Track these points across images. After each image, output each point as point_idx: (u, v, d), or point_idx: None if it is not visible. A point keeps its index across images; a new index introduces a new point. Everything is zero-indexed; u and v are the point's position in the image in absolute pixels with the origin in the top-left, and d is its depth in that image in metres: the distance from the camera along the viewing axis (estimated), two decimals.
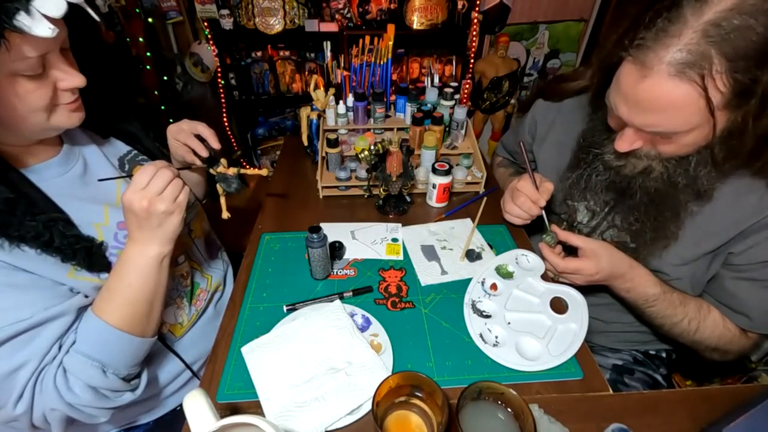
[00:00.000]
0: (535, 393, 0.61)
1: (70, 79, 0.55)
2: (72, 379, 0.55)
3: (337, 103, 1.04)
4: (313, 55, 2.19)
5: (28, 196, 0.56)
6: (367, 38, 1.03)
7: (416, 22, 2.02)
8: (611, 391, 0.62)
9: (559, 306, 0.71)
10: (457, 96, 1.06)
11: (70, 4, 0.48)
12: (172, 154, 0.79)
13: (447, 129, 1.07)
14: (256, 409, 0.59)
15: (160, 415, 0.77)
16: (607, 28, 2.22)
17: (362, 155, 0.89)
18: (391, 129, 1.07)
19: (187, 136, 0.74)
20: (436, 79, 1.34)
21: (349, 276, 0.81)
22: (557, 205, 0.86)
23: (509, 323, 0.70)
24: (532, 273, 0.77)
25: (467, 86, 2.23)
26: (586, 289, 0.73)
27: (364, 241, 0.88)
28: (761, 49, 0.47)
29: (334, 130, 1.06)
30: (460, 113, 1.03)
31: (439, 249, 0.87)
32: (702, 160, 0.61)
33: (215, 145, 0.73)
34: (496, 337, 0.68)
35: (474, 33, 2.07)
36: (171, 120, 1.44)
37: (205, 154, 0.73)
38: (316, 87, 1.02)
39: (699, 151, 0.60)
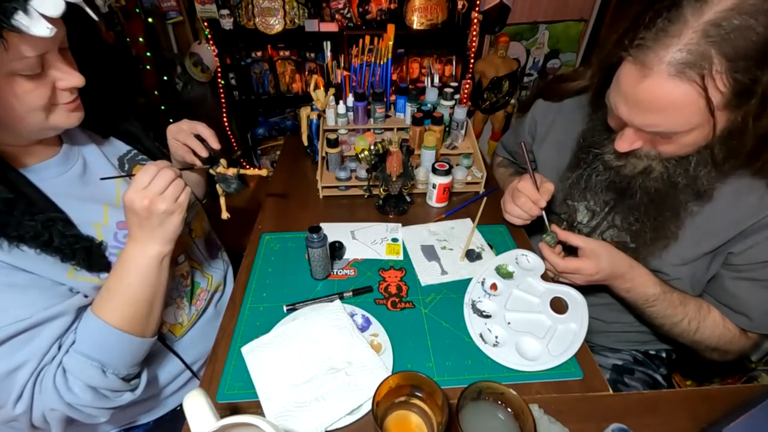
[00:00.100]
0: (535, 393, 0.61)
1: (68, 78, 0.54)
2: (71, 379, 0.55)
3: (337, 103, 1.04)
4: (313, 55, 2.19)
5: (27, 196, 0.55)
6: (367, 38, 1.03)
7: (416, 22, 2.02)
8: (611, 391, 0.62)
9: (559, 306, 0.71)
10: (457, 96, 1.06)
11: (68, 4, 0.48)
12: (172, 154, 0.79)
13: (447, 129, 1.07)
14: (256, 409, 0.59)
15: (160, 415, 0.77)
16: (607, 28, 2.22)
17: (362, 155, 0.89)
18: (391, 129, 1.07)
19: (186, 136, 0.73)
20: (436, 79, 1.34)
21: (349, 276, 0.81)
22: (557, 205, 0.86)
23: (509, 323, 0.70)
24: (532, 273, 0.77)
25: (467, 86, 2.23)
26: (586, 289, 0.73)
27: (364, 241, 0.88)
28: (761, 49, 0.47)
29: (334, 130, 1.06)
30: (460, 113, 1.03)
31: (439, 249, 0.87)
32: (702, 160, 0.61)
33: (215, 145, 0.73)
34: (496, 337, 0.68)
35: (474, 33, 2.07)
36: (171, 120, 1.44)
37: (204, 154, 0.73)
38: (316, 87, 1.02)
39: (699, 151, 0.60)
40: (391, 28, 1.04)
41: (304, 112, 1.08)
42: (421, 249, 0.87)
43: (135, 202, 0.55)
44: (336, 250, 0.82)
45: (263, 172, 0.75)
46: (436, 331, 0.70)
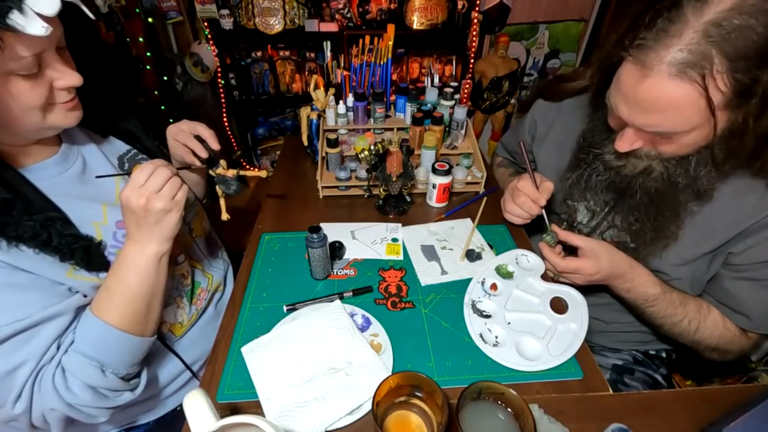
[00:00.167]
0: (535, 393, 0.61)
1: (66, 78, 0.54)
2: (71, 379, 0.55)
3: (337, 103, 1.04)
4: (313, 55, 2.19)
5: (26, 196, 0.55)
6: (367, 38, 1.03)
7: (416, 22, 2.02)
8: (611, 391, 0.62)
9: (559, 306, 0.71)
10: (457, 96, 1.06)
11: (64, 3, 0.48)
12: (171, 155, 0.79)
13: (447, 129, 1.07)
14: (256, 409, 0.59)
15: (160, 415, 0.77)
16: (607, 28, 2.22)
17: (362, 155, 0.88)
18: (391, 129, 1.07)
19: (186, 136, 0.73)
20: (436, 79, 1.34)
21: (349, 276, 0.80)
22: (557, 205, 0.86)
23: (509, 323, 0.70)
24: (532, 273, 0.77)
25: (467, 86, 2.23)
26: (586, 289, 0.73)
27: (364, 241, 0.88)
28: (762, 48, 0.47)
29: (334, 130, 1.06)
30: (460, 113, 1.03)
31: (439, 249, 0.86)
32: (702, 160, 0.61)
33: (215, 146, 0.73)
34: (496, 337, 0.68)
35: (474, 33, 2.07)
36: (171, 120, 1.44)
37: (204, 154, 0.73)
38: (316, 87, 1.02)
39: (699, 151, 0.60)
40: (391, 28, 1.04)
41: (304, 112, 1.08)
42: (421, 249, 0.86)
43: (131, 201, 0.55)
44: (336, 250, 0.82)
45: (263, 173, 0.74)
46: (436, 331, 0.70)
